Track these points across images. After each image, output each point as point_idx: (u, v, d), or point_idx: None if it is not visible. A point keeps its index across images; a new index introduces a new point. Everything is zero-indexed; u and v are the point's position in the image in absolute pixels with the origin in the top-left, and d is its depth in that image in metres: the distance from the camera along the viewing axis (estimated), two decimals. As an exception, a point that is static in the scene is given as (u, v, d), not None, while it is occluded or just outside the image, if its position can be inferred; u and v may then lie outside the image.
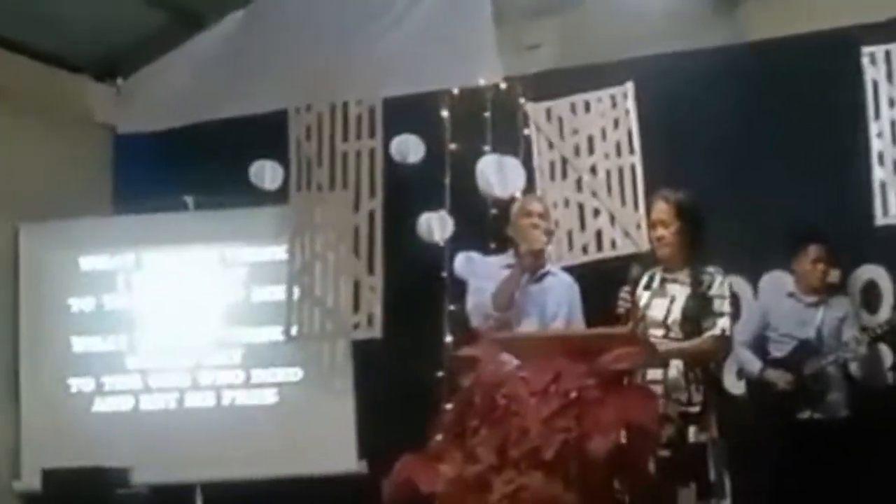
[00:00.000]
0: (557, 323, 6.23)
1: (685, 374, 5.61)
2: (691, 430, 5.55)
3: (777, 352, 6.89)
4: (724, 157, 7.22)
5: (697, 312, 5.69)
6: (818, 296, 6.91)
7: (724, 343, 5.80)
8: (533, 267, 6.24)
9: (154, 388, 8.24)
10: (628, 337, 5.49)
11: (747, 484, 6.06)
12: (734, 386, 7.14)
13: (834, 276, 6.98)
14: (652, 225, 5.94)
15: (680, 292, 5.75)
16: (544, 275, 6.31)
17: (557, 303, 6.25)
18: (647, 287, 5.79)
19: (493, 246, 6.76)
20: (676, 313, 5.70)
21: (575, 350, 5.35)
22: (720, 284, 5.75)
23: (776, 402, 6.73)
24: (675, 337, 5.71)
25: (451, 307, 7.16)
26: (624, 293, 5.70)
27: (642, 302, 5.75)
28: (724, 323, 5.70)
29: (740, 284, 7.24)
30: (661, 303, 5.76)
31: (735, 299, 6.23)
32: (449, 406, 5.67)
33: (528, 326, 6.15)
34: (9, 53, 8.37)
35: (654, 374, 5.56)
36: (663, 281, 5.82)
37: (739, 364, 7.02)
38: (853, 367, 6.77)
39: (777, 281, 7.11)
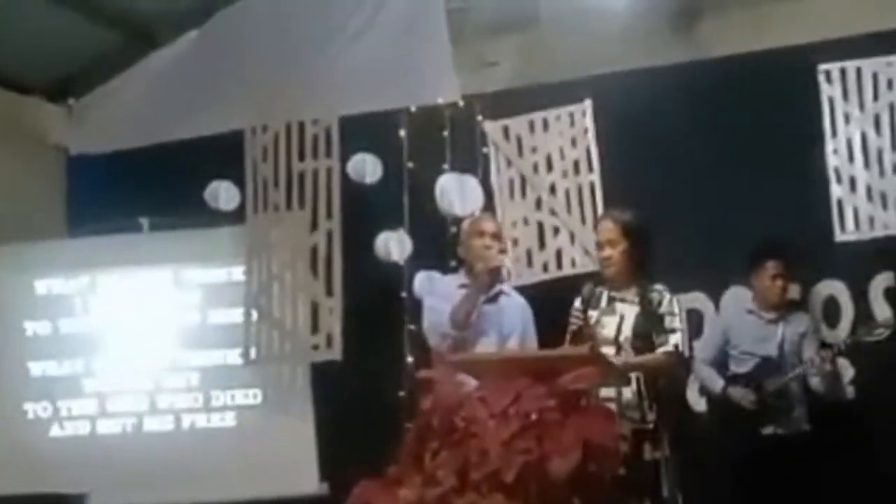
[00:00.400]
0: (513, 343, 6.19)
1: (638, 392, 5.61)
2: (646, 447, 5.55)
3: (738, 368, 6.86)
4: (683, 174, 7.21)
5: (649, 329, 5.71)
6: (777, 312, 6.90)
7: (678, 359, 5.81)
8: (488, 286, 6.20)
9: (112, 413, 8.16)
10: (587, 357, 5.46)
11: (710, 501, 6.08)
12: (696, 403, 7.14)
13: (794, 291, 6.99)
14: (599, 245, 5.95)
15: (629, 311, 5.78)
16: (498, 294, 6.27)
17: (512, 323, 6.22)
18: (595, 306, 5.78)
19: (452, 264, 6.70)
20: (627, 331, 5.73)
21: (534, 371, 5.29)
22: (669, 302, 5.79)
23: (739, 418, 6.69)
24: (624, 355, 5.71)
25: (411, 327, 7.12)
26: (576, 311, 5.73)
27: (592, 320, 5.75)
28: (675, 339, 5.74)
29: (702, 301, 7.29)
30: (611, 321, 5.77)
31: (689, 315, 6.27)
32: (408, 428, 5.61)
33: (485, 346, 6.11)
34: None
35: (608, 392, 5.53)
36: (611, 300, 5.83)
37: (701, 381, 7.00)
38: (814, 383, 6.75)
39: (738, 297, 7.10)
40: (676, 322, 5.76)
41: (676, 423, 5.77)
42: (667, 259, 6.61)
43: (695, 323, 7.01)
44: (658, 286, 5.82)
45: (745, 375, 6.81)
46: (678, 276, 6.79)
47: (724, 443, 6.67)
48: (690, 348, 7.11)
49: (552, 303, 6.38)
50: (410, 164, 7.55)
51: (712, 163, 7.17)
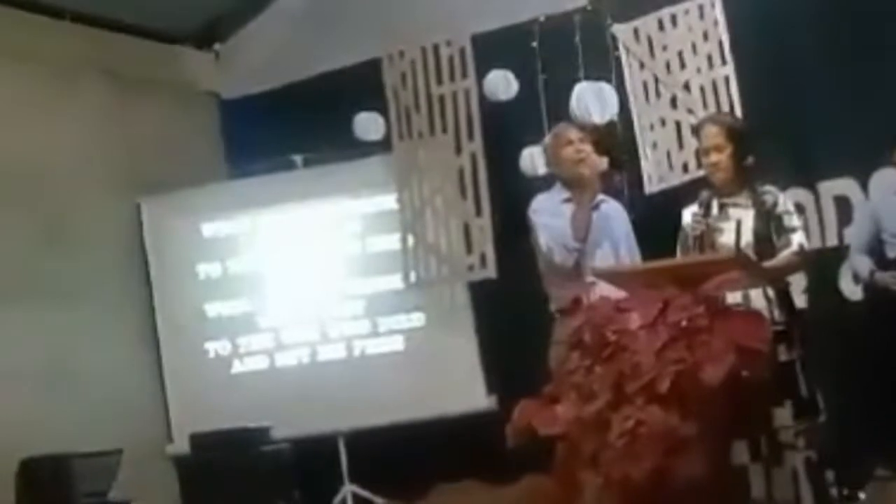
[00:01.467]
0: (623, 250, 6.30)
1: (765, 295, 5.57)
2: (780, 349, 5.49)
3: (893, 253, 6.69)
4: (820, 61, 7.02)
5: (769, 232, 5.64)
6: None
7: (804, 257, 5.74)
8: (593, 194, 6.25)
9: (287, 345, 8.48)
10: (730, 261, 5.47)
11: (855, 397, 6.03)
12: (852, 292, 7.04)
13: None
14: (704, 151, 5.86)
15: (744, 215, 5.67)
16: (599, 202, 6.33)
17: (620, 229, 6.33)
18: (706, 214, 5.75)
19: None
20: (748, 235, 5.63)
21: (679, 279, 5.33)
22: (784, 201, 5.71)
23: (890, 306, 6.56)
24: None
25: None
26: (696, 216, 5.68)
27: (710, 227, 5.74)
28: (798, 238, 5.67)
29: (851, 187, 7.13)
30: (728, 227, 5.68)
31: (837, 203, 6.18)
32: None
33: (601, 255, 6.20)
34: (107, 32, 8.61)
35: (735, 297, 5.52)
36: (723, 206, 5.75)
37: (853, 269, 6.87)
38: None
39: (887, 179, 6.91)
40: (795, 220, 5.70)
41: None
42: (809, 148, 6.54)
43: (844, 210, 6.92)
44: (768, 187, 5.72)
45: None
46: (824, 164, 6.73)
47: (878, 330, 6.56)
48: (841, 236, 7.07)
49: (657, 213, 6.42)
50: (544, 76, 7.57)
51: (849, 49, 6.94)
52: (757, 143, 5.81)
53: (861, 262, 6.74)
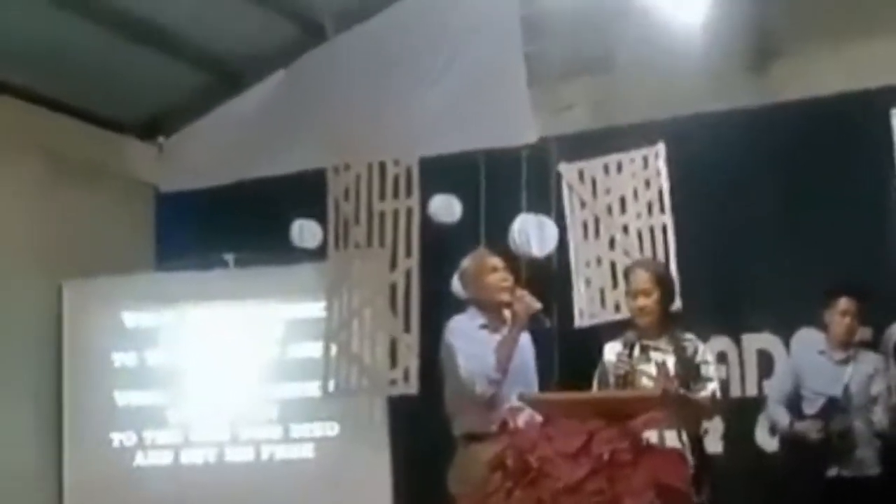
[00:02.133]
0: (532, 380, 6.39)
1: (679, 438, 5.72)
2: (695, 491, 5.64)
3: (809, 409, 6.91)
4: (756, 217, 7.31)
5: (687, 378, 5.84)
6: (846, 352, 6.95)
7: (716, 405, 5.96)
8: (505, 320, 6.38)
9: (194, 442, 8.40)
10: (657, 399, 5.60)
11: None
12: (767, 444, 7.20)
13: (865, 333, 7.03)
14: (632, 294, 6.08)
15: (665, 359, 5.90)
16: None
17: (531, 361, 6.44)
18: (630, 354, 5.91)
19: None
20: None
21: (604, 411, 5.43)
22: (703, 351, 5.97)
23: (805, 458, 6.75)
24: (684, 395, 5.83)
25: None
26: (621, 356, 5.87)
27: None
28: (713, 387, 5.92)
29: (772, 342, 7.35)
30: (649, 369, 5.90)
31: (760, 356, 6.37)
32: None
33: (519, 385, 6.25)
34: (52, 113, 8.61)
35: (650, 436, 5.65)
36: (644, 348, 5.96)
37: (772, 420, 7.06)
38: (880, 422, 6.77)
39: (809, 338, 7.16)
40: (711, 371, 5.96)
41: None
42: (737, 300, 6.74)
43: (765, 363, 7.11)
44: (688, 335, 5.99)
45: (813, 416, 6.85)
46: (749, 317, 6.93)
47: (790, 483, 6.71)
48: (760, 388, 7.26)
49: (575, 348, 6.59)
50: (487, 204, 7.72)
51: (784, 206, 7.27)
52: (689, 289, 6.02)
53: (780, 413, 6.95)
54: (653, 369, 5.88)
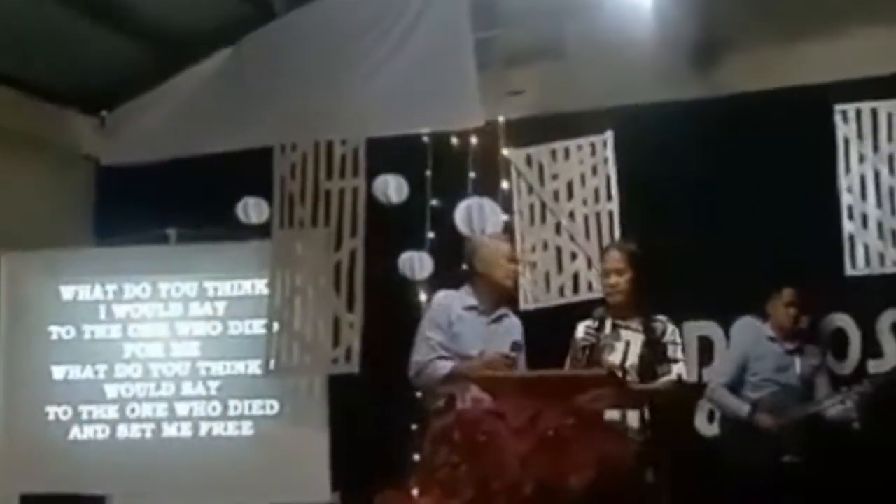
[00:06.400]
0: (521, 359, 6.46)
1: (640, 417, 5.81)
2: (648, 471, 5.70)
3: (754, 394, 7.01)
4: (699, 206, 7.40)
5: (654, 358, 5.93)
6: (794, 343, 7.08)
7: (681, 388, 6.03)
8: (497, 305, 6.41)
9: (131, 418, 8.32)
10: (604, 378, 5.68)
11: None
12: (706, 428, 7.31)
13: (803, 321, 7.17)
14: (605, 273, 6.22)
15: (633, 338, 6.06)
16: (502, 316, 6.51)
17: (516, 343, 6.47)
18: (599, 328, 6.00)
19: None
20: (633, 358, 6.00)
21: (552, 390, 5.49)
22: (672, 332, 6.08)
23: (757, 445, 6.84)
24: (631, 380, 5.97)
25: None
26: (589, 329, 5.94)
27: (600, 343, 6.00)
28: (679, 368, 6.01)
29: (713, 329, 7.47)
30: (618, 346, 6.00)
31: (700, 342, 6.59)
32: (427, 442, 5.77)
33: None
34: (-4, 85, 8.51)
35: (613, 415, 5.73)
36: (615, 326, 6.06)
37: (722, 406, 7.13)
38: (833, 414, 6.89)
39: (751, 326, 7.26)
40: (679, 352, 6.07)
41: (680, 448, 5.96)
42: (680, 287, 6.84)
43: (706, 350, 7.23)
44: (661, 316, 6.09)
45: (766, 402, 6.96)
46: (691, 304, 7.03)
47: (741, 469, 6.78)
48: (700, 375, 7.36)
49: (549, 326, 6.66)
50: (433, 187, 7.77)
51: (728, 195, 7.37)
52: (654, 273, 6.10)
53: (732, 401, 6.98)
54: (621, 346, 5.97)
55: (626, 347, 6.00)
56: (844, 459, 6.83)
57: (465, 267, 6.71)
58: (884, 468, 6.84)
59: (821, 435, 6.91)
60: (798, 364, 7.03)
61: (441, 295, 6.64)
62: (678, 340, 6.12)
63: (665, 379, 5.97)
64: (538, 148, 7.75)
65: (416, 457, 5.83)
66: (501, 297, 6.53)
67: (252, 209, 8.14)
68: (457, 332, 6.39)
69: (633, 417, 5.87)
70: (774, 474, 6.75)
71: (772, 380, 7.03)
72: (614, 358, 6.00)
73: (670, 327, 6.10)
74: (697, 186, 7.36)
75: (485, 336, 6.43)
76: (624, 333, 6.07)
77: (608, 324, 6.08)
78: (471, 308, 6.45)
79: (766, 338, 7.12)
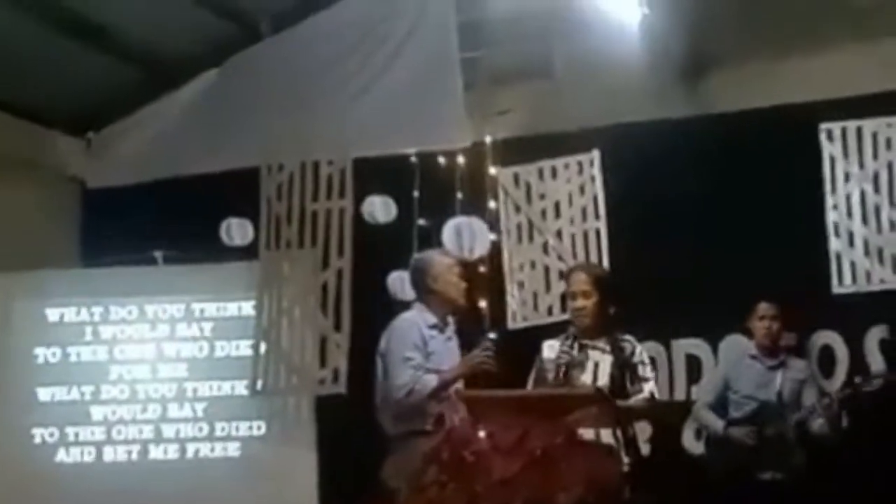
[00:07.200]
0: None
1: (614, 436, 5.80)
2: (625, 489, 5.70)
3: (737, 412, 7.05)
4: (687, 224, 7.44)
5: (623, 378, 5.96)
6: (777, 358, 7.09)
7: (668, 406, 6.09)
8: (447, 322, 6.49)
9: (118, 440, 8.28)
10: (591, 397, 5.67)
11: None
12: (693, 447, 7.31)
13: (789, 338, 7.18)
14: (572, 296, 6.19)
15: (602, 359, 6.05)
16: (452, 332, 6.56)
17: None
18: (572, 347, 6.03)
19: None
20: (604, 378, 5.98)
21: (540, 409, 5.49)
22: (640, 352, 6.09)
23: (737, 461, 6.86)
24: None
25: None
26: (564, 348, 5.93)
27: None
28: (650, 387, 6.02)
29: (701, 347, 7.48)
30: (587, 366, 6.02)
31: (688, 361, 6.75)
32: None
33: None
34: (-27, 105, 8.49)
35: (588, 434, 5.72)
36: (583, 346, 6.06)
37: (701, 424, 7.17)
38: (815, 428, 6.90)
39: (737, 344, 7.29)
40: (648, 371, 6.09)
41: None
42: (667, 305, 6.86)
43: (694, 368, 7.23)
44: (627, 336, 6.09)
45: (745, 419, 6.97)
46: (679, 322, 7.04)
47: (721, 486, 6.81)
48: (689, 392, 7.38)
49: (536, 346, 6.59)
50: (421, 207, 7.76)
51: (714, 214, 7.41)
52: (621, 294, 6.10)
53: (710, 418, 7.05)
54: (591, 366, 5.97)
55: (595, 368, 6.02)
56: (826, 473, 6.83)
57: (414, 286, 6.65)
58: (866, 480, 6.85)
59: (804, 448, 6.91)
60: (779, 379, 7.03)
61: (406, 316, 6.58)
62: (646, 360, 6.15)
63: (639, 397, 5.97)
64: (525, 167, 7.77)
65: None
66: (453, 313, 6.51)
67: (235, 230, 8.14)
68: (431, 350, 6.37)
69: (619, 436, 5.84)
70: (755, 490, 6.75)
71: (752, 396, 7.06)
72: (585, 378, 6.00)
73: (638, 347, 6.13)
74: (685, 205, 7.38)
75: (449, 352, 6.41)
76: (592, 354, 6.08)
77: (576, 345, 6.10)
78: (433, 326, 6.45)
79: (749, 356, 7.17)
